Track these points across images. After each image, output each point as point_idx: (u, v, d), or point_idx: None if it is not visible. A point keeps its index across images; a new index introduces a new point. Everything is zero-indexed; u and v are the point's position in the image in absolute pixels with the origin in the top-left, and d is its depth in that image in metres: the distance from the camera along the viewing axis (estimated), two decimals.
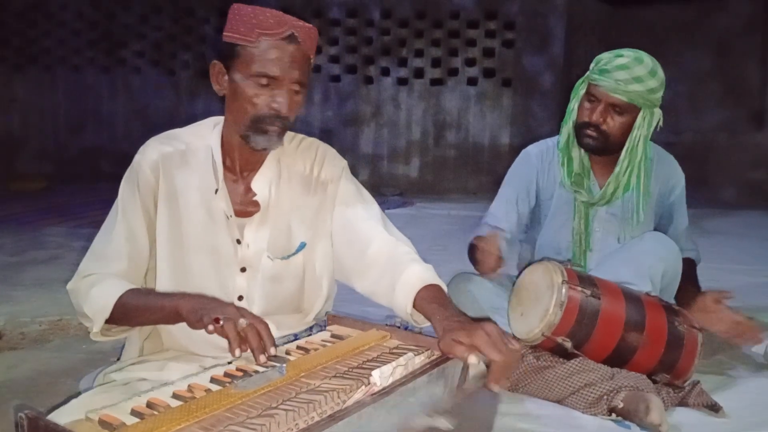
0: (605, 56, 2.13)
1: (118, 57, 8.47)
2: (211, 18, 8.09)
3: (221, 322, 1.18)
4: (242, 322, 1.19)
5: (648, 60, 2.10)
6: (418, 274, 1.43)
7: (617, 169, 2.19)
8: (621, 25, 7.92)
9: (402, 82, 7.87)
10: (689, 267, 2.28)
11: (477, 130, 7.72)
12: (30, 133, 8.70)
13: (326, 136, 7.41)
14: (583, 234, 2.26)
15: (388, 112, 7.92)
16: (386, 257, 1.49)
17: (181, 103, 8.30)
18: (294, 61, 1.39)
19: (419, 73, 7.82)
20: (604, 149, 2.18)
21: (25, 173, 8.16)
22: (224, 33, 1.40)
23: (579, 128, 2.18)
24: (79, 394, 1.40)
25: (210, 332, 1.19)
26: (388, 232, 1.54)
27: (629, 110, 2.12)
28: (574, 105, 2.21)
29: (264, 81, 1.38)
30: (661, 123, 2.17)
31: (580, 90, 2.20)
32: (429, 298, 1.37)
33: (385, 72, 7.90)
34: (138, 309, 1.37)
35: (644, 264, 2.08)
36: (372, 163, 7.97)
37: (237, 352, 1.16)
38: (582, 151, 2.24)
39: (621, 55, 2.11)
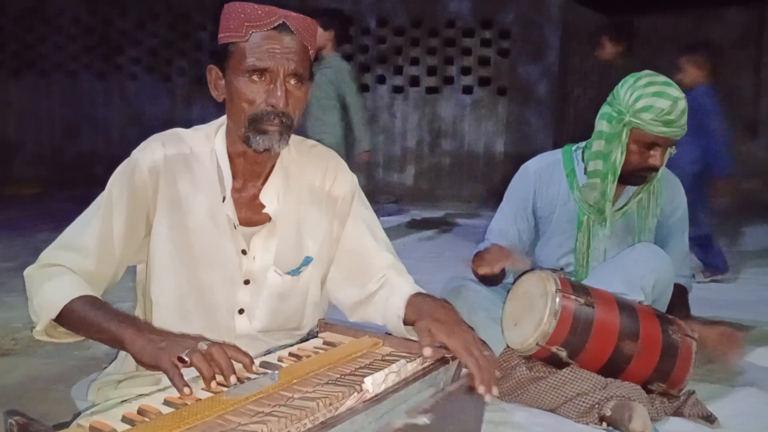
0: (659, 103, 2.01)
1: (114, 63, 8.47)
2: (207, 24, 8.10)
3: (186, 359, 1.08)
4: (202, 345, 1.10)
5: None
6: (412, 285, 1.44)
7: (642, 195, 2.21)
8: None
9: (397, 90, 7.88)
10: (680, 294, 2.27)
11: (472, 139, 7.74)
12: (25, 137, 8.68)
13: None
14: (585, 252, 2.25)
15: (383, 119, 7.93)
16: (386, 289, 1.47)
17: (176, 110, 8.29)
18: (289, 51, 1.29)
19: (415, 82, 7.84)
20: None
21: (20, 178, 8.14)
22: (219, 36, 1.34)
23: (636, 171, 2.12)
24: (71, 401, 1.37)
25: (174, 374, 1.07)
26: (391, 256, 1.52)
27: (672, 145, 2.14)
28: (617, 153, 2.11)
29: (257, 76, 1.30)
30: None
31: (622, 135, 2.08)
32: (422, 297, 1.38)
33: (381, 80, 7.91)
34: (82, 321, 1.23)
35: (636, 274, 2.07)
36: (367, 171, 7.96)
37: (213, 384, 1.07)
38: None
39: (677, 98, 2.02)
